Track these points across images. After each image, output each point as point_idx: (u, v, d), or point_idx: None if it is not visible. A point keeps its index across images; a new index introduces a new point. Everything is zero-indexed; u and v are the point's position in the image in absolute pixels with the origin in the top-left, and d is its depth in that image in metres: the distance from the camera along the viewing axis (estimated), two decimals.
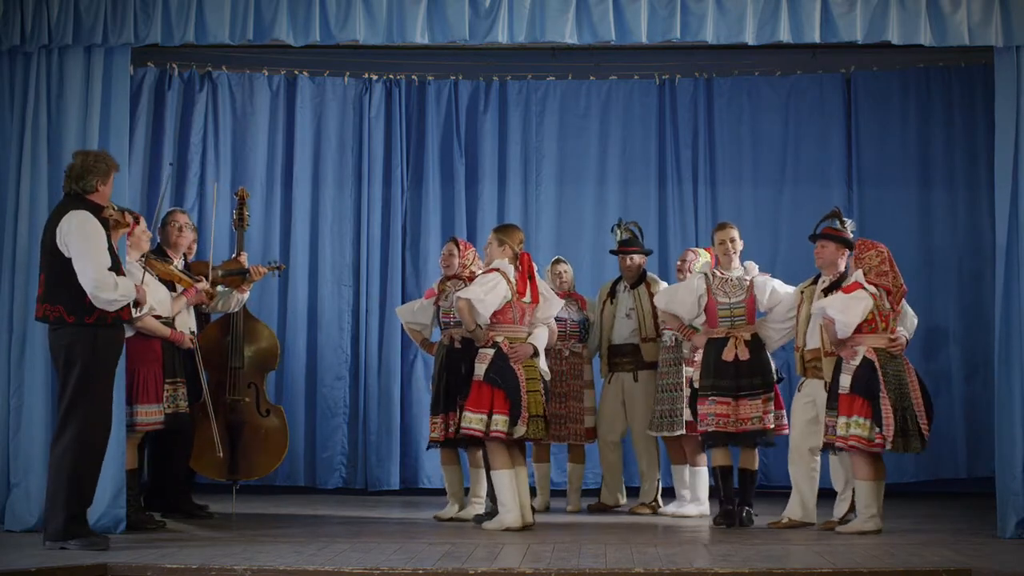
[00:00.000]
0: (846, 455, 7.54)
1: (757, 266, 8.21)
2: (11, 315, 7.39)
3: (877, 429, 7.23)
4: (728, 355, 7.88)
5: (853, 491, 7.61)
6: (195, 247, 8.80)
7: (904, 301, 7.60)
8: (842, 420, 7.35)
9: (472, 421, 7.53)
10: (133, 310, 7.06)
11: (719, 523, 7.95)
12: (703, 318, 8.12)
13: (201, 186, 10.24)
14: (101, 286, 6.57)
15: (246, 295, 8.49)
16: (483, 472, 8.21)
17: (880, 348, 7.36)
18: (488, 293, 7.54)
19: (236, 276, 8.40)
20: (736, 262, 8.13)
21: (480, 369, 7.58)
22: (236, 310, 8.47)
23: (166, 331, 7.75)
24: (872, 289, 7.41)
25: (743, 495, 8.03)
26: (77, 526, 6.59)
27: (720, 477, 8.04)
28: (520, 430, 7.53)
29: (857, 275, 7.48)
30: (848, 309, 7.35)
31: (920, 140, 10.32)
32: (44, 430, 7.30)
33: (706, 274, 8.14)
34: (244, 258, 8.52)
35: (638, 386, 8.78)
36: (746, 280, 8.04)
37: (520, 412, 7.49)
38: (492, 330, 7.62)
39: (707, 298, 8.06)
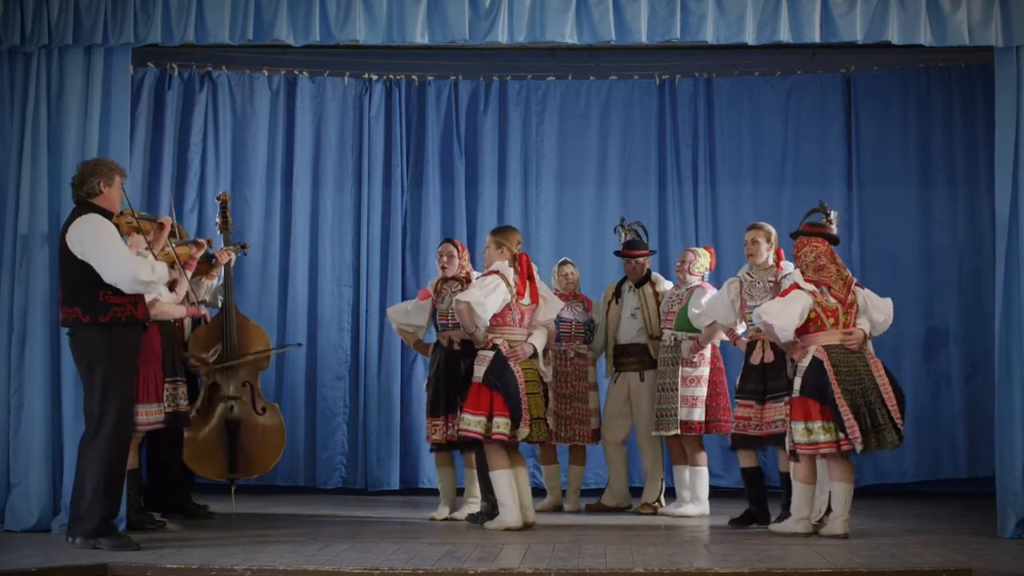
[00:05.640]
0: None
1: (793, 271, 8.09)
2: (11, 315, 7.39)
3: (841, 434, 7.09)
4: (755, 359, 7.77)
5: (829, 493, 7.49)
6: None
7: (868, 291, 7.43)
8: (799, 426, 7.19)
9: (471, 424, 7.53)
10: (150, 311, 7.15)
11: (736, 524, 7.88)
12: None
13: (201, 187, 10.24)
14: (137, 270, 6.66)
15: (215, 281, 8.46)
16: (476, 473, 8.24)
17: (832, 345, 7.24)
18: (488, 296, 7.53)
19: (202, 262, 8.36)
20: (763, 262, 7.95)
21: (479, 371, 7.58)
22: (207, 298, 8.47)
23: (181, 310, 7.76)
24: (810, 287, 7.28)
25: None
26: (109, 526, 6.64)
27: (747, 479, 8.01)
28: (523, 432, 7.55)
29: (795, 275, 7.40)
30: (784, 312, 7.22)
31: (920, 140, 10.32)
32: (44, 430, 7.32)
33: (740, 278, 8.04)
34: (203, 242, 8.35)
35: (644, 386, 8.76)
36: (771, 283, 7.87)
37: (521, 414, 7.51)
38: (492, 332, 7.62)
39: (739, 302, 7.99)
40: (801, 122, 10.45)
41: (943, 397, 10.12)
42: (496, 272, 7.67)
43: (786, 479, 7.77)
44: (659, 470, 8.82)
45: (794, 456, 7.33)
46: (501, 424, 7.50)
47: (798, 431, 7.20)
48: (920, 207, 10.28)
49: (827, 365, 7.16)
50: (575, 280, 9.02)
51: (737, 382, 7.95)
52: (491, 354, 7.59)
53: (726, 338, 8.30)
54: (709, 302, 8.27)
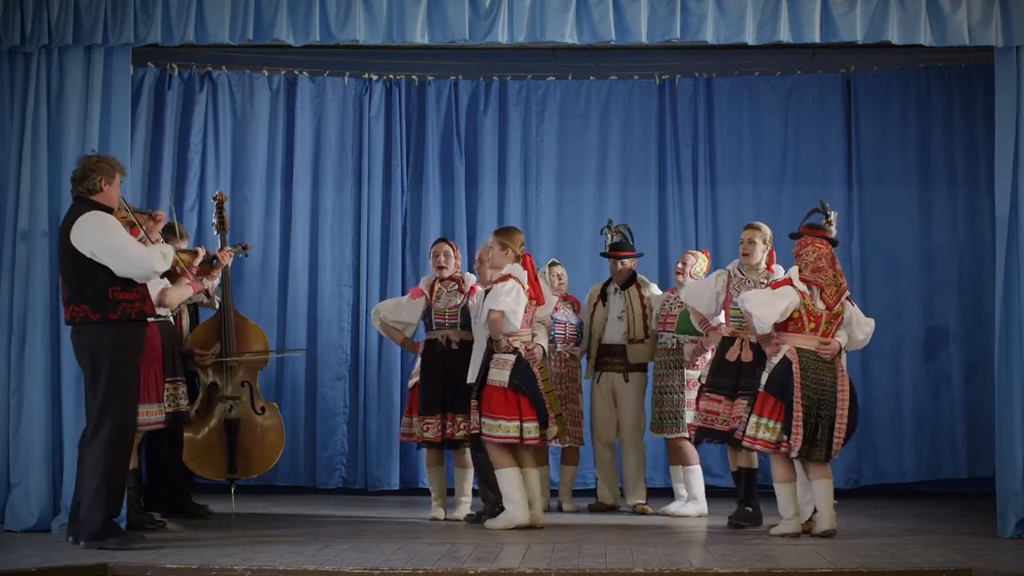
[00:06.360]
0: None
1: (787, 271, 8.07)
2: (11, 315, 7.40)
3: (785, 436, 7.13)
4: (731, 355, 7.82)
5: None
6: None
7: (856, 308, 7.44)
8: (753, 419, 7.25)
9: (509, 430, 7.53)
10: (158, 309, 7.18)
11: (734, 524, 7.87)
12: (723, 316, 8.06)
13: (201, 187, 10.23)
14: (152, 261, 6.69)
15: (216, 282, 8.47)
16: (469, 472, 8.25)
17: (805, 349, 7.24)
18: (517, 304, 7.56)
19: (203, 263, 8.35)
20: (757, 263, 7.95)
21: (502, 375, 7.56)
22: (205, 300, 8.47)
23: (188, 290, 7.75)
24: (802, 287, 7.27)
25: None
26: (113, 525, 6.64)
27: (736, 480, 8.02)
28: (553, 431, 7.67)
29: (791, 271, 7.40)
30: (767, 305, 7.23)
31: (920, 140, 10.32)
32: (44, 430, 7.32)
33: (729, 272, 8.06)
34: (202, 250, 8.38)
35: (628, 387, 8.76)
36: (761, 284, 7.83)
37: (547, 415, 7.57)
38: (508, 335, 7.62)
39: (724, 295, 8.01)
40: (801, 122, 10.44)
41: (943, 397, 10.12)
42: (511, 276, 7.66)
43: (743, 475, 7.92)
44: (643, 470, 8.85)
45: (736, 444, 7.46)
46: (531, 429, 7.54)
47: (751, 423, 7.26)
48: (920, 207, 10.27)
49: (796, 367, 7.18)
50: (567, 281, 9.02)
51: (706, 376, 7.99)
52: (512, 358, 7.59)
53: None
54: (693, 287, 8.23)
